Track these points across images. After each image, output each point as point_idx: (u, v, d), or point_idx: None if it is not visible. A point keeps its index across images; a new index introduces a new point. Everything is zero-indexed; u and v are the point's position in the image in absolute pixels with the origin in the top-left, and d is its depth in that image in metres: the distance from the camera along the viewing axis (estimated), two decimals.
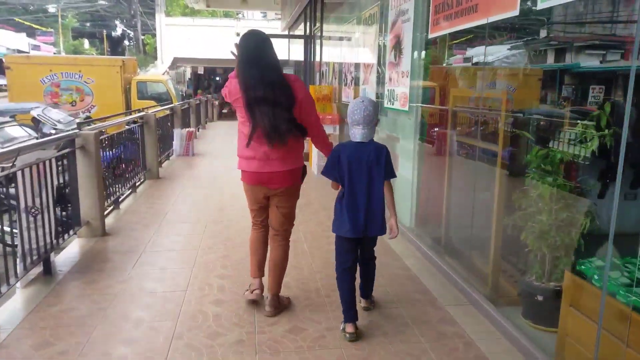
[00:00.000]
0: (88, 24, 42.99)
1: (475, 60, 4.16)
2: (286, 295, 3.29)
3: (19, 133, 9.16)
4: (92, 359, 2.61)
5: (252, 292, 3.18)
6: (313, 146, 3.03)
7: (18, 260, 3.40)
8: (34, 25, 35.76)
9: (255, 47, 2.78)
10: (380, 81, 5.66)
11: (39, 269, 3.65)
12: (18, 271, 3.35)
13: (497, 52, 3.43)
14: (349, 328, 2.87)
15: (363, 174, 2.82)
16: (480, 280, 3.46)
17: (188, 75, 27.64)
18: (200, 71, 26.01)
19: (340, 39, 8.33)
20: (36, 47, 29.82)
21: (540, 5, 2.65)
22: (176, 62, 23.97)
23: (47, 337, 2.80)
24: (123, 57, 23.63)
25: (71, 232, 4.31)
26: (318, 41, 9.93)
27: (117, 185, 5.71)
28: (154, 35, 31.71)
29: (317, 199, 6.12)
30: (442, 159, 4.35)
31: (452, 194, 4.13)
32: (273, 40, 2.92)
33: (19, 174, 3.34)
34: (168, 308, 3.19)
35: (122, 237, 4.61)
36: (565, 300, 2.57)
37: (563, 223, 2.80)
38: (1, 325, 2.93)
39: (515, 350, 2.76)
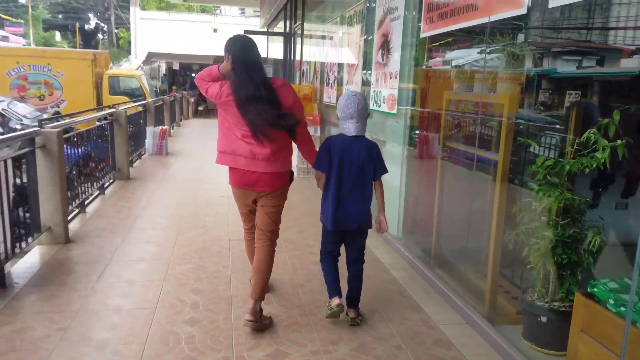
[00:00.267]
0: (60, 16, 41.65)
1: (456, 63, 3.98)
2: (267, 314, 3.01)
3: None
4: None
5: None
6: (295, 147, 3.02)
7: None
8: (2, 16, 34.41)
9: (249, 50, 2.86)
10: (365, 82, 5.41)
11: None
12: None
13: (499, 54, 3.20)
14: (335, 301, 2.91)
15: (353, 169, 2.84)
16: (476, 297, 3.23)
17: (163, 70, 26.95)
18: (176, 67, 25.34)
19: (323, 37, 8.06)
20: (5, 38, 28.61)
21: (551, 4, 2.43)
22: (150, 57, 23.30)
23: None
24: (95, 50, 22.89)
25: (29, 239, 3.93)
26: (299, 39, 9.63)
27: (84, 186, 5.34)
28: (128, 29, 30.83)
29: (299, 204, 5.84)
30: (433, 164, 4.11)
31: (444, 202, 3.90)
32: (252, 36, 3.00)
33: None
34: (135, 328, 2.86)
35: (86, 244, 4.24)
36: (575, 324, 2.36)
37: (570, 240, 2.60)
38: None
39: None
